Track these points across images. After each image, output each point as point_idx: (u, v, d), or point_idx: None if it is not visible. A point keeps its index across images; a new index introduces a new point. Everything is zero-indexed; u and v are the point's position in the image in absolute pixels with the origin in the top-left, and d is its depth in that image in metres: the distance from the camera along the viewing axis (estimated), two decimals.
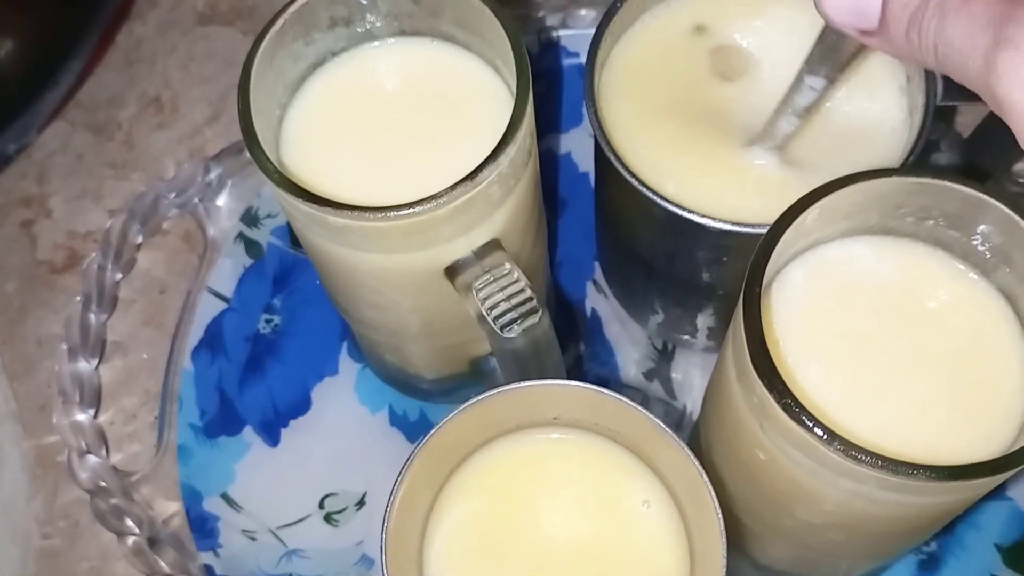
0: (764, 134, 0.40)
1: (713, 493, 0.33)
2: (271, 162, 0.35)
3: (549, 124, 0.57)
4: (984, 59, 0.25)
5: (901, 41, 0.28)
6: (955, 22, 0.26)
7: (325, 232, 0.36)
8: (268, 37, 0.36)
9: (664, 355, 0.52)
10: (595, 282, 0.54)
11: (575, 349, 0.53)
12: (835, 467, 0.30)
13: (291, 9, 0.37)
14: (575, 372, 0.52)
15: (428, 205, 0.34)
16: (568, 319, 0.53)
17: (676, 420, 0.51)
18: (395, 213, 0.34)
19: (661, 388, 0.52)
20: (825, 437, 0.30)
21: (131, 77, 0.61)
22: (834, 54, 0.35)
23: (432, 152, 0.39)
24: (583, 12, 0.58)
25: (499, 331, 0.36)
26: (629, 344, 0.53)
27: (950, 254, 0.35)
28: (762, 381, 0.31)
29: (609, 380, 0.52)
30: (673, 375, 0.52)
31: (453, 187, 0.34)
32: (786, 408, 0.30)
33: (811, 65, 0.36)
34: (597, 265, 0.54)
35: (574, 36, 0.58)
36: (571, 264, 0.55)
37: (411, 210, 0.34)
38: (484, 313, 0.36)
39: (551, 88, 0.58)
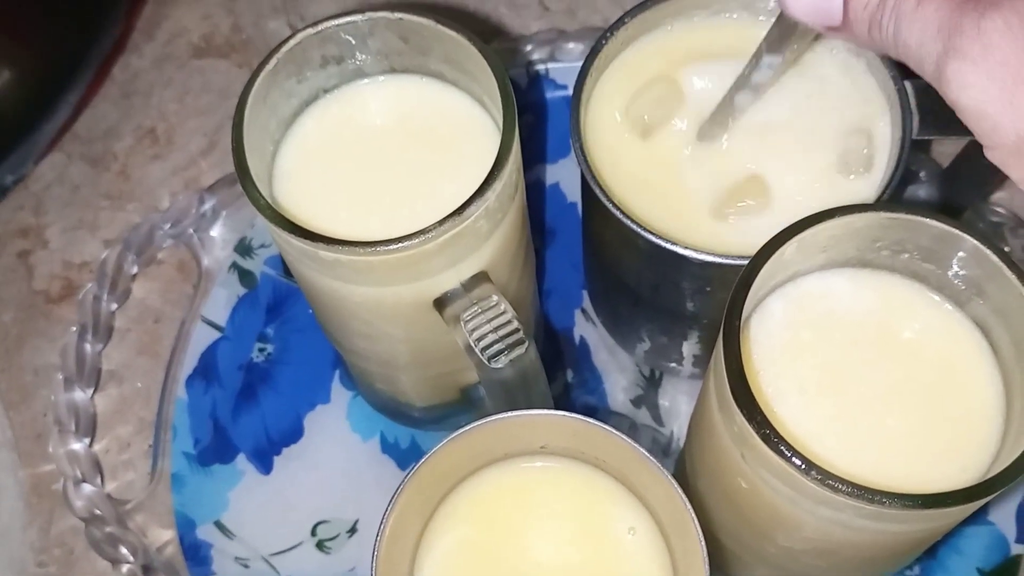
0: (719, 110, 0.41)
1: (696, 520, 0.34)
2: (264, 198, 0.35)
3: (538, 155, 0.58)
4: (936, 65, 0.28)
5: (864, 38, 0.30)
6: (910, 26, 0.28)
7: (316, 265, 0.37)
8: (262, 76, 0.37)
9: (651, 382, 0.53)
10: (583, 310, 0.55)
11: (564, 377, 0.54)
12: (813, 495, 0.31)
13: (284, 48, 0.38)
14: (564, 399, 0.53)
15: (416, 240, 0.35)
16: (557, 347, 0.54)
17: (663, 446, 0.51)
18: (384, 248, 0.35)
19: (649, 415, 0.52)
20: (803, 467, 0.30)
21: (127, 109, 0.62)
22: (791, 35, 0.36)
23: (422, 186, 0.40)
24: (571, 45, 0.60)
25: (486, 362, 0.37)
26: (617, 371, 0.53)
27: (926, 286, 0.36)
28: (742, 412, 0.31)
29: (597, 407, 0.53)
30: (660, 402, 0.53)
31: (441, 222, 0.35)
32: (765, 439, 0.31)
33: (769, 44, 0.37)
34: (585, 294, 0.55)
35: (562, 69, 0.59)
36: (560, 293, 0.55)
37: (400, 244, 0.35)
38: (472, 344, 0.37)
39: (539, 120, 0.59)
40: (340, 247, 0.35)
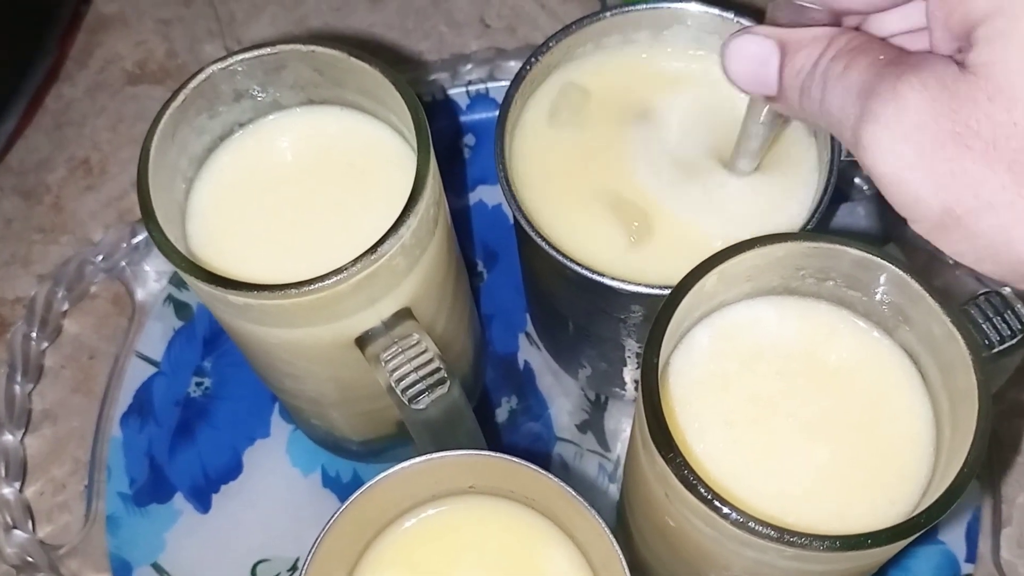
0: (733, 169, 0.41)
1: (624, 562, 0.33)
2: (167, 240, 0.34)
3: (479, 176, 0.57)
4: (852, 131, 0.26)
5: (796, 107, 0.29)
6: (833, 91, 0.27)
7: (229, 309, 0.36)
8: (168, 113, 0.36)
9: (597, 406, 0.52)
10: (527, 334, 0.54)
11: (509, 403, 0.53)
12: (735, 537, 0.30)
13: (191, 84, 0.37)
14: (509, 426, 0.52)
15: (328, 281, 0.34)
16: (501, 372, 0.53)
17: (610, 472, 0.50)
18: (295, 290, 0.33)
19: (595, 440, 0.51)
20: (722, 510, 0.29)
21: (60, 139, 0.61)
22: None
23: (342, 222, 0.39)
24: (511, 64, 0.59)
25: (407, 403, 0.36)
26: (562, 396, 0.52)
27: (853, 313, 0.35)
28: (660, 452, 0.31)
29: (542, 434, 0.52)
30: (607, 426, 0.52)
31: (353, 262, 0.34)
32: (683, 480, 0.30)
33: (752, 113, 0.37)
34: (529, 317, 0.54)
35: (502, 88, 0.58)
36: (503, 316, 0.54)
37: (311, 287, 0.33)
38: (392, 384, 0.36)
39: (480, 140, 0.58)
40: (248, 291, 0.33)
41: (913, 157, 0.24)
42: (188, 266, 0.34)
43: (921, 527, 0.29)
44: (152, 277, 0.55)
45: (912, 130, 0.24)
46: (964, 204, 0.24)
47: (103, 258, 0.55)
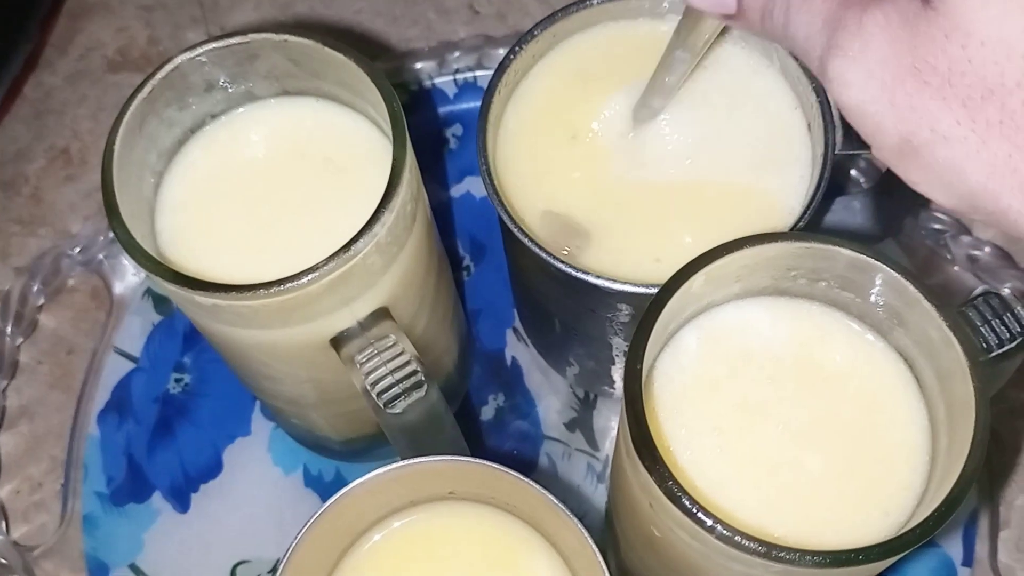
0: (637, 113, 0.40)
1: (607, 572, 0.32)
2: (133, 238, 0.33)
3: (467, 167, 0.56)
4: (819, 61, 0.26)
5: (757, 26, 0.29)
6: (797, 17, 0.27)
7: (199, 309, 0.34)
8: (134, 105, 0.35)
9: (586, 404, 0.51)
10: (515, 330, 0.52)
11: (496, 400, 0.51)
12: (721, 551, 0.29)
13: (159, 75, 0.35)
14: (496, 424, 0.51)
15: (300, 281, 0.32)
16: (488, 369, 0.52)
17: (598, 472, 0.49)
18: (265, 291, 0.32)
19: (583, 439, 0.50)
20: (708, 523, 0.28)
21: (40, 129, 0.59)
22: (697, 28, 0.35)
23: (318, 219, 0.37)
24: (500, 51, 0.57)
25: (382, 407, 0.34)
26: (551, 393, 0.51)
27: (846, 314, 0.34)
28: (643, 462, 0.29)
29: (530, 432, 0.50)
30: (596, 425, 0.50)
31: (326, 261, 0.33)
32: (667, 491, 0.29)
33: (679, 38, 0.36)
34: (516, 312, 0.53)
35: (490, 77, 0.57)
36: (491, 312, 0.53)
37: (282, 287, 0.32)
38: (367, 387, 0.35)
39: (468, 130, 0.57)
40: (216, 292, 0.32)
41: (876, 90, 0.24)
42: (153, 265, 0.32)
43: (915, 542, 0.28)
44: (130, 270, 0.53)
45: (876, 65, 0.24)
46: (920, 136, 0.24)
47: (80, 251, 0.53)
